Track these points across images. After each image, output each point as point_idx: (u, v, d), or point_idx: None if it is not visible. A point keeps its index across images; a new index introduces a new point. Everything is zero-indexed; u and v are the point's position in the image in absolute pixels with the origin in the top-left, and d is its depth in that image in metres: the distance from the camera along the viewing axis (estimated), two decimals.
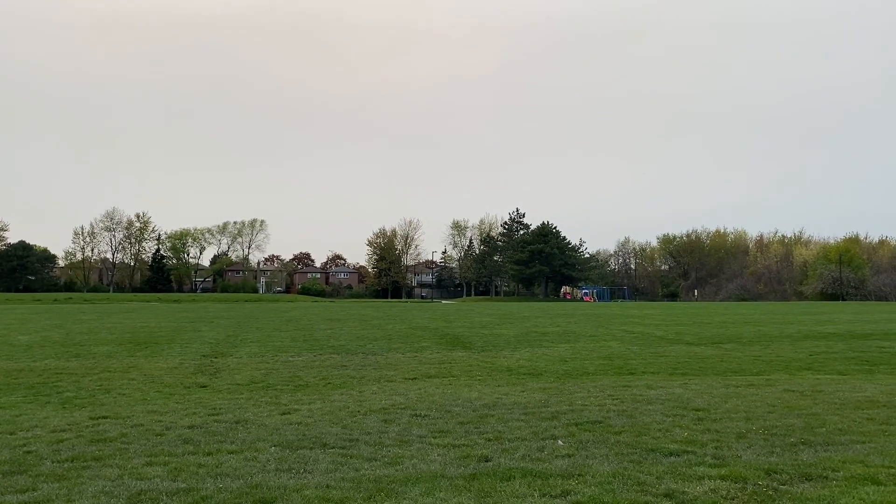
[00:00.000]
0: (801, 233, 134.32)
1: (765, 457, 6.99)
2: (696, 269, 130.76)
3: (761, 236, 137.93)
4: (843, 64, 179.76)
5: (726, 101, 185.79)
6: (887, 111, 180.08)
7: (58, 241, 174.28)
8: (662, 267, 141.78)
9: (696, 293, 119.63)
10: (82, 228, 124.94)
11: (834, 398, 10.83)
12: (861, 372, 15.47)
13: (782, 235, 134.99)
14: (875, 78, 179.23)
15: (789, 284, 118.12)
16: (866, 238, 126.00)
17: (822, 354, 18.73)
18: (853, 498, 5.63)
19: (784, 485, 6.03)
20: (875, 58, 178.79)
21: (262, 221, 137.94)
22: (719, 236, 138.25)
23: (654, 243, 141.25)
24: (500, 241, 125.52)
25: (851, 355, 18.55)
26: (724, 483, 6.06)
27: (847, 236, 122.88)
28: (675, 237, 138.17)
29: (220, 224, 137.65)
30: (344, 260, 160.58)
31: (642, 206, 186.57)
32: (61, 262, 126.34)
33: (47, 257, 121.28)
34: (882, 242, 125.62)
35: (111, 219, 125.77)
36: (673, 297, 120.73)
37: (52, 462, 7.04)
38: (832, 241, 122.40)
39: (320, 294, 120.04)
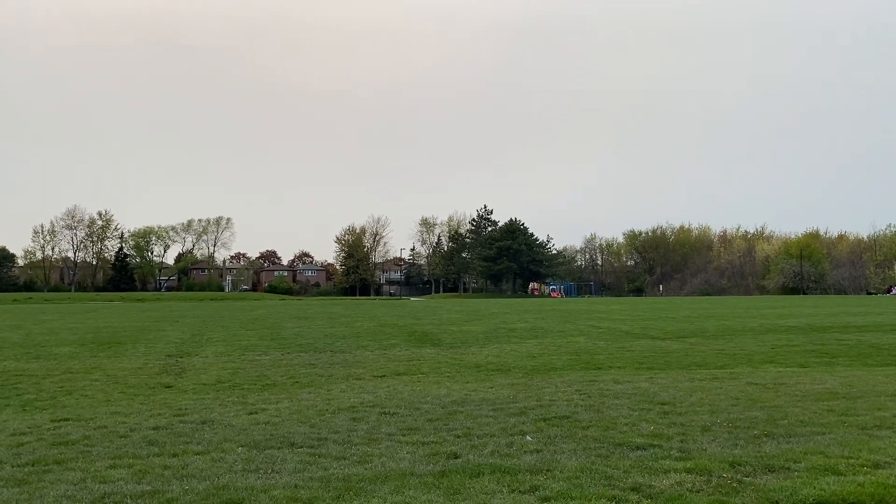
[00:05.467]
0: (763, 228, 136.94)
1: (729, 449, 7.10)
2: (662, 264, 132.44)
3: (724, 232, 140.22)
4: (804, 62, 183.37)
5: (690, 99, 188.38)
6: (846, 109, 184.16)
7: (16, 240, 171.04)
8: (628, 262, 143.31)
9: (661, 288, 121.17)
10: (42, 227, 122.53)
11: (795, 390, 11.06)
12: (821, 364, 15.81)
13: (745, 231, 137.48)
14: (834, 76, 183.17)
15: (752, 279, 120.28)
16: (826, 233, 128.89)
17: (784, 347, 19.10)
18: (814, 489, 5.75)
19: (748, 476, 6.14)
20: (834, 56, 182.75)
21: (228, 219, 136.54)
22: (684, 232, 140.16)
23: (620, 239, 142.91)
24: (469, 237, 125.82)
25: (812, 348, 18.95)
26: (690, 476, 6.14)
27: (807, 231, 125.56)
28: (640, 233, 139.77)
29: (185, 222, 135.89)
30: (311, 257, 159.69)
31: (608, 202, 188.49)
32: (20, 262, 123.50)
33: (6, 256, 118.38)
34: (841, 237, 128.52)
35: (72, 217, 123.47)
36: (639, 292, 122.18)
37: (12, 466, 6.88)
38: (793, 237, 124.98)
39: (287, 292, 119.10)
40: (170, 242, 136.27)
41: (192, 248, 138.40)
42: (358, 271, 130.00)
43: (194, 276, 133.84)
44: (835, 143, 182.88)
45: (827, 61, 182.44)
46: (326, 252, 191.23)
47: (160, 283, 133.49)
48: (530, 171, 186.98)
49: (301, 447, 7.49)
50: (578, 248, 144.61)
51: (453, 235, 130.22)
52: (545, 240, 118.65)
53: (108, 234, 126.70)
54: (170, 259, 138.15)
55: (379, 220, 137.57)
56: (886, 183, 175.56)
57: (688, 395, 10.67)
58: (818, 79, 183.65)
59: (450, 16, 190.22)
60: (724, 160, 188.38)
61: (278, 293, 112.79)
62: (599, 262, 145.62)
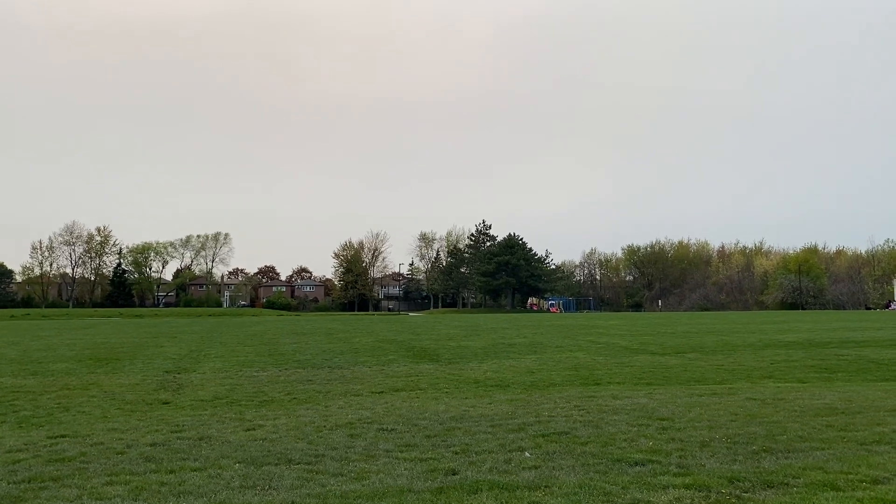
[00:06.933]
0: (761, 243, 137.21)
1: (728, 465, 7.08)
2: (660, 279, 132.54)
3: (723, 247, 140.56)
4: (801, 78, 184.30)
5: (689, 114, 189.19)
6: (844, 124, 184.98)
7: (15, 256, 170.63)
8: (627, 278, 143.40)
9: (659, 303, 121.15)
10: (40, 243, 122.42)
11: (794, 406, 11.03)
12: (820, 379, 15.79)
13: (743, 246, 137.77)
14: (833, 91, 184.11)
15: (750, 294, 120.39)
16: (824, 248, 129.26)
17: (783, 363, 19.08)
18: None
19: (747, 492, 6.12)
20: (831, 71, 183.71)
21: (227, 234, 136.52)
22: (682, 247, 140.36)
23: (619, 254, 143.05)
24: (467, 252, 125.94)
25: (811, 363, 18.93)
26: (689, 492, 6.12)
27: (806, 247, 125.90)
28: (639, 248, 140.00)
29: (184, 237, 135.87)
30: (310, 273, 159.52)
31: (608, 217, 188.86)
32: (18, 278, 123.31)
33: (4, 272, 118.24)
34: (839, 252, 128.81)
35: (71, 233, 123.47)
36: (637, 307, 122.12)
37: (8, 483, 6.84)
38: (791, 252, 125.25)
39: (286, 308, 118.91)
40: (168, 258, 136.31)
41: (191, 264, 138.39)
42: (356, 287, 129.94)
43: (192, 291, 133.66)
44: (833, 158, 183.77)
45: (824, 76, 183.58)
46: (325, 267, 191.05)
47: (158, 299, 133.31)
48: (529, 186, 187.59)
49: (298, 463, 7.46)
50: (577, 263, 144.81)
51: (452, 250, 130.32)
52: (544, 255, 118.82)
53: (107, 250, 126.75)
54: (168, 275, 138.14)
55: (377, 235, 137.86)
56: (884, 198, 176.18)
57: (686, 410, 10.65)
58: (816, 94, 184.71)
59: (447, 28, 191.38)
60: (723, 175, 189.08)
61: (276, 309, 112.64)
62: (598, 278, 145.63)
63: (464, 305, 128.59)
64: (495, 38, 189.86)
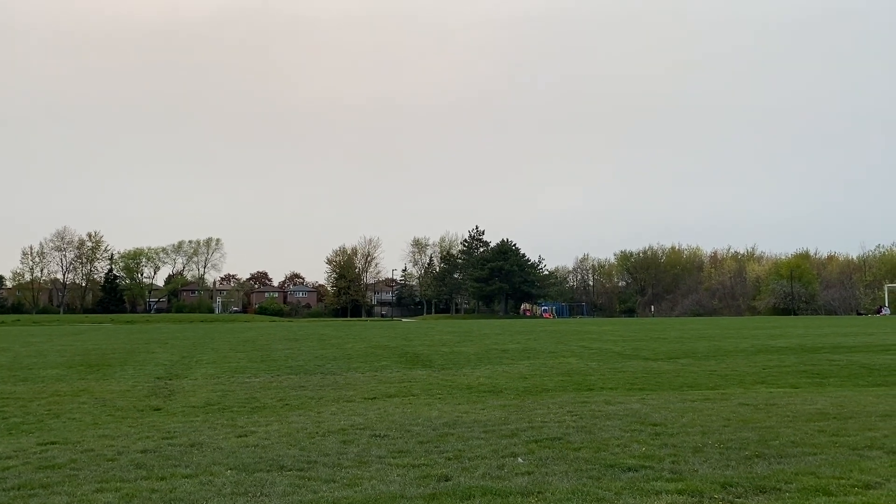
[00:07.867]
0: (753, 249, 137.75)
1: (720, 470, 7.09)
2: (653, 285, 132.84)
3: (715, 253, 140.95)
4: (797, 83, 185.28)
5: (682, 120, 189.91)
6: (837, 130, 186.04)
7: (5, 262, 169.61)
8: (620, 283, 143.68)
9: (652, 309, 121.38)
10: (31, 248, 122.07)
11: (787, 411, 11.06)
12: (812, 385, 15.84)
13: (735, 252, 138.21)
14: (827, 97, 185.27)
15: (743, 299, 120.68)
16: (816, 254, 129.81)
17: (775, 368, 19.12)
18: None
19: (739, 498, 6.13)
20: (823, 79, 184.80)
21: (219, 240, 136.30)
22: (675, 253, 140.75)
23: (612, 260, 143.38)
24: (461, 258, 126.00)
25: (803, 368, 18.98)
26: (681, 497, 6.13)
27: (797, 252, 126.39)
28: (631, 254, 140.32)
29: (175, 243, 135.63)
30: (302, 279, 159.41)
31: (600, 222, 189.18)
32: (9, 283, 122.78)
33: None
34: (831, 258, 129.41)
35: (62, 238, 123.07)
36: (630, 312, 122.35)
37: None
38: (783, 257, 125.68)
39: (278, 313, 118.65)
40: (160, 264, 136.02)
41: (183, 270, 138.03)
42: (349, 292, 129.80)
43: (184, 297, 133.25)
44: (825, 164, 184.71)
45: (817, 82, 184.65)
46: (318, 273, 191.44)
47: (150, 305, 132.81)
48: (523, 191, 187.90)
49: (290, 470, 7.43)
50: (570, 269, 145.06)
51: (445, 256, 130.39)
52: (537, 260, 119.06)
53: (98, 256, 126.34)
54: (160, 280, 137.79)
55: (371, 240, 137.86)
56: (875, 204, 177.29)
57: (679, 415, 10.66)
58: (808, 100, 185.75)
59: (440, 34, 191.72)
60: (715, 180, 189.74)
61: (269, 315, 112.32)
62: (591, 283, 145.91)
63: (457, 311, 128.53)
64: (490, 44, 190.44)
